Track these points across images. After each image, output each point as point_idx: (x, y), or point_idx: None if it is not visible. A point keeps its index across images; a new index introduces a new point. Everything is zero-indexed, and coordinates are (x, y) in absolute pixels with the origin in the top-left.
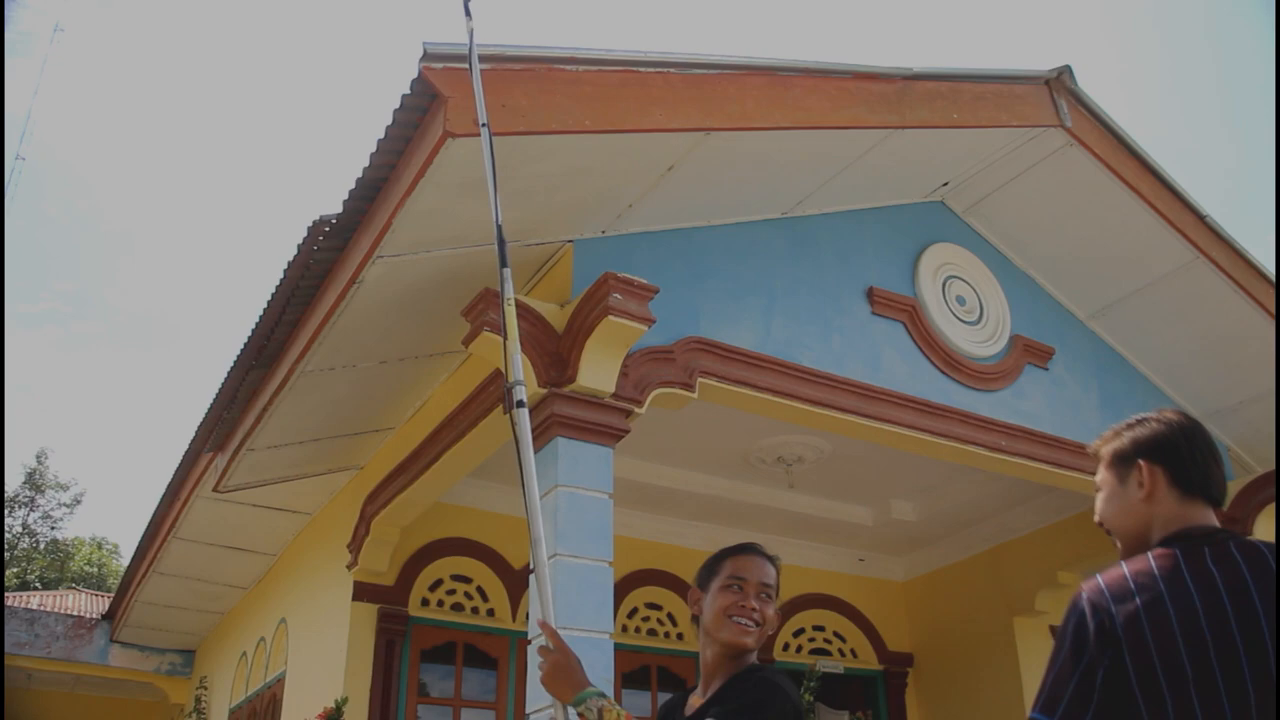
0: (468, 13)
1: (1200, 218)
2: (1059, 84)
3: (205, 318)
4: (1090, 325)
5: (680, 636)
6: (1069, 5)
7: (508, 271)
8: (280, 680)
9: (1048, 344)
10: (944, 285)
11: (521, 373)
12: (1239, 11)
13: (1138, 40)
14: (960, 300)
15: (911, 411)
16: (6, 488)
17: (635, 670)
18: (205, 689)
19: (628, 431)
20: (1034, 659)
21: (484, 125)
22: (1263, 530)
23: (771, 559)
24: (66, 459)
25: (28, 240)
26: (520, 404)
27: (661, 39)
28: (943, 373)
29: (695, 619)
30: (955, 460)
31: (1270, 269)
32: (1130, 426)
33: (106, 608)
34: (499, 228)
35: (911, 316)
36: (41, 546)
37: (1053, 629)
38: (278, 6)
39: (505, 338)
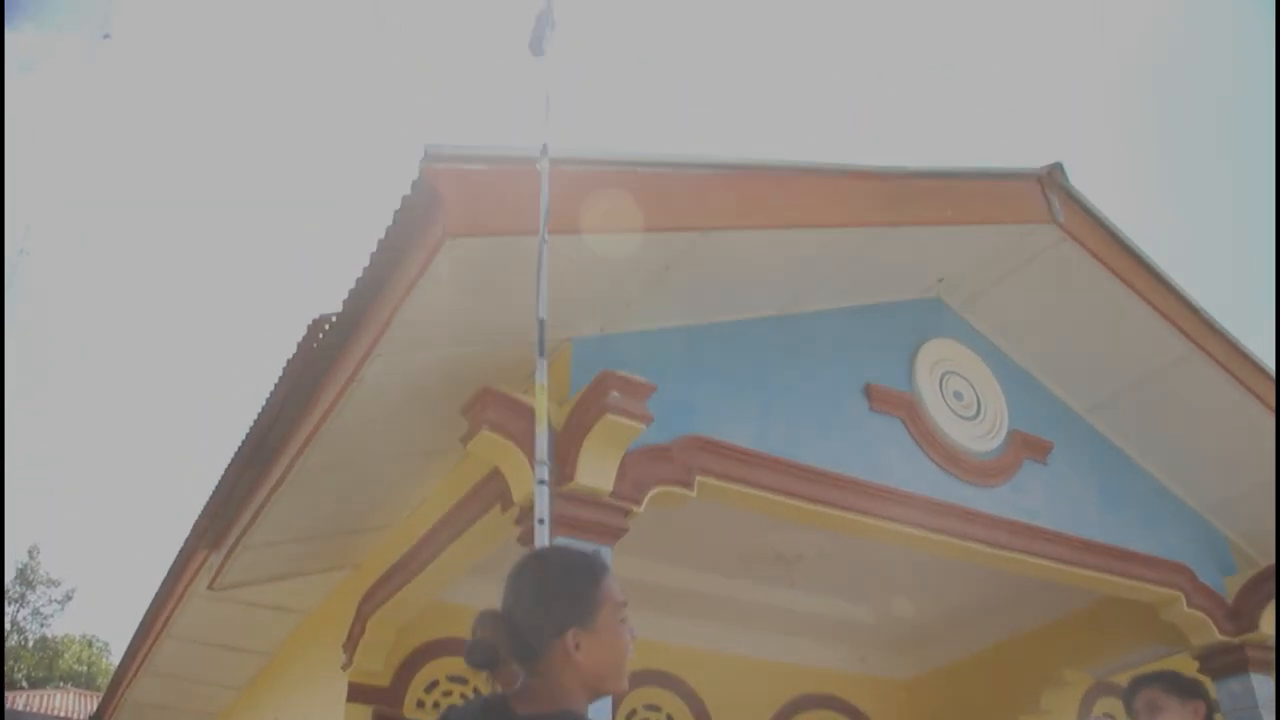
0: (538, 50)
1: (1195, 311)
2: (1051, 180)
3: (203, 414)
4: (1088, 419)
5: None
6: (1061, 101)
7: (544, 362)
8: None
9: (1046, 438)
10: (941, 381)
11: (545, 452)
12: (1230, 103)
13: (1130, 133)
14: (958, 396)
15: (911, 508)
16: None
17: None
18: None
19: (626, 530)
20: None
21: (544, 241)
22: (1268, 626)
23: None
24: (58, 555)
25: (24, 335)
26: (541, 522)
27: (659, 140)
28: (942, 469)
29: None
30: (956, 557)
31: (1266, 361)
32: None
33: (95, 708)
34: (541, 322)
35: (910, 413)
36: (30, 644)
37: None
38: (276, 105)
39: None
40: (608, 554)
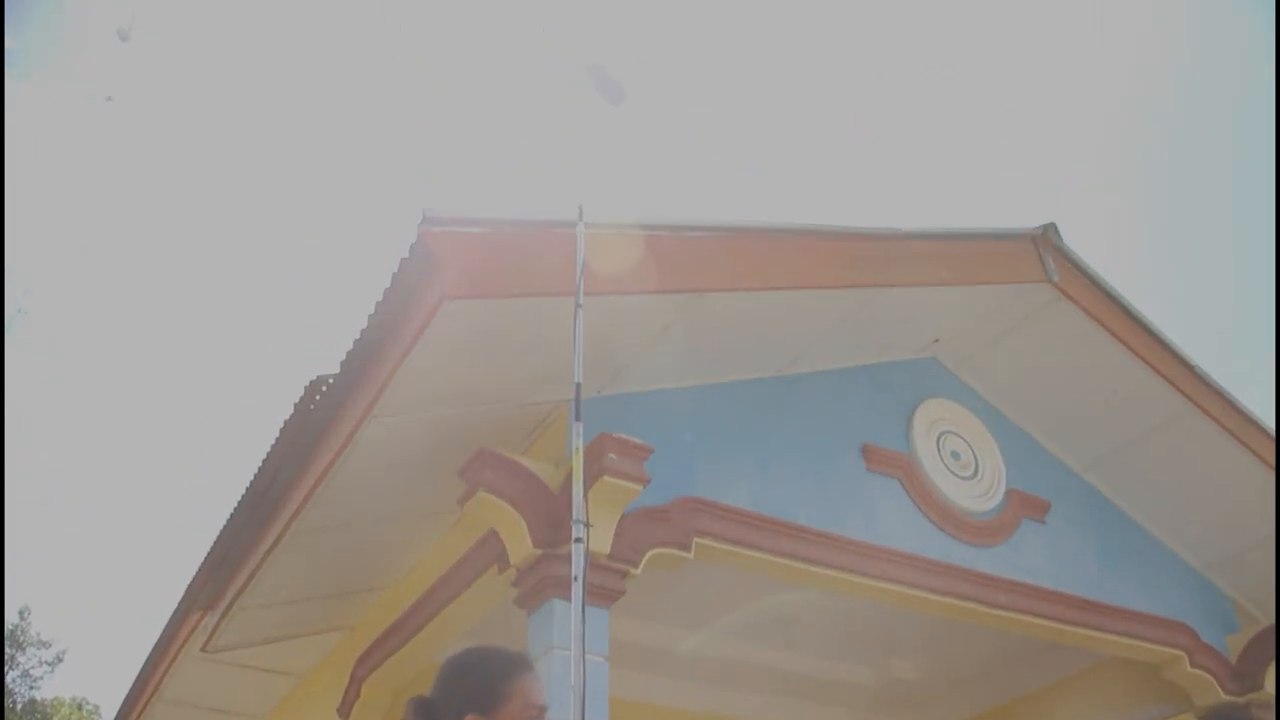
0: (618, 98)
1: (1191, 368)
2: (1045, 240)
3: (199, 475)
4: (1086, 477)
5: None
6: (1054, 159)
7: (579, 425)
8: None
9: (1044, 497)
10: (939, 441)
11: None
12: (1227, 159)
13: (1123, 190)
14: (955, 455)
15: (909, 568)
16: None
17: None
18: None
19: (623, 593)
20: None
21: (579, 306)
22: (1272, 685)
23: None
24: (49, 616)
25: (18, 393)
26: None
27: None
28: (940, 529)
29: None
30: (955, 617)
31: (1264, 418)
32: None
33: None
34: (578, 386)
35: (907, 473)
36: (19, 707)
37: None
38: (273, 169)
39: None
40: (605, 616)
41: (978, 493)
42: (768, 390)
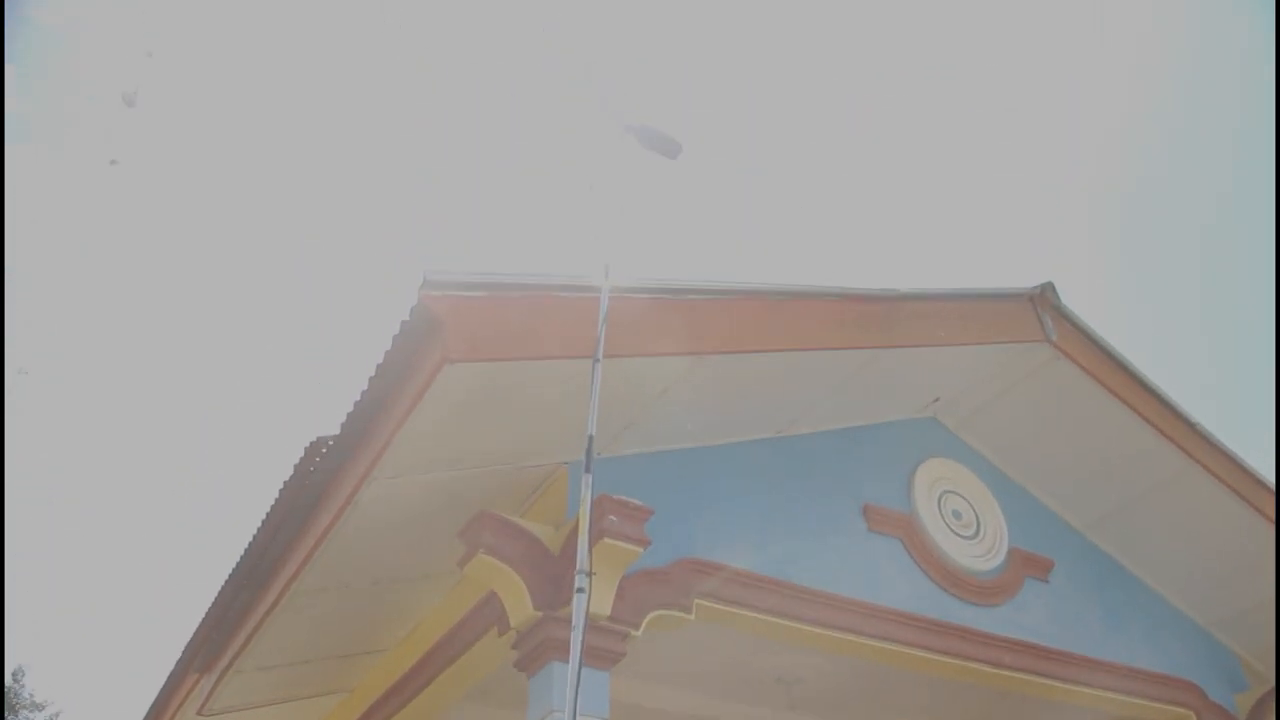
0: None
1: (1192, 426)
2: (1042, 300)
3: (197, 536)
4: (1089, 536)
5: None
6: (1049, 218)
7: (589, 478)
8: None
9: (1047, 556)
10: (940, 500)
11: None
12: (1225, 214)
13: (1118, 248)
14: (957, 515)
15: (912, 629)
16: None
17: None
18: None
19: (624, 655)
20: None
21: (598, 361)
22: None
23: None
24: (43, 677)
25: (18, 454)
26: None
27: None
28: (942, 589)
29: None
30: (958, 678)
31: (1266, 475)
32: None
33: None
34: (590, 438)
35: (908, 533)
36: None
37: None
38: (275, 229)
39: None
40: (605, 679)
41: (979, 552)
42: (768, 451)
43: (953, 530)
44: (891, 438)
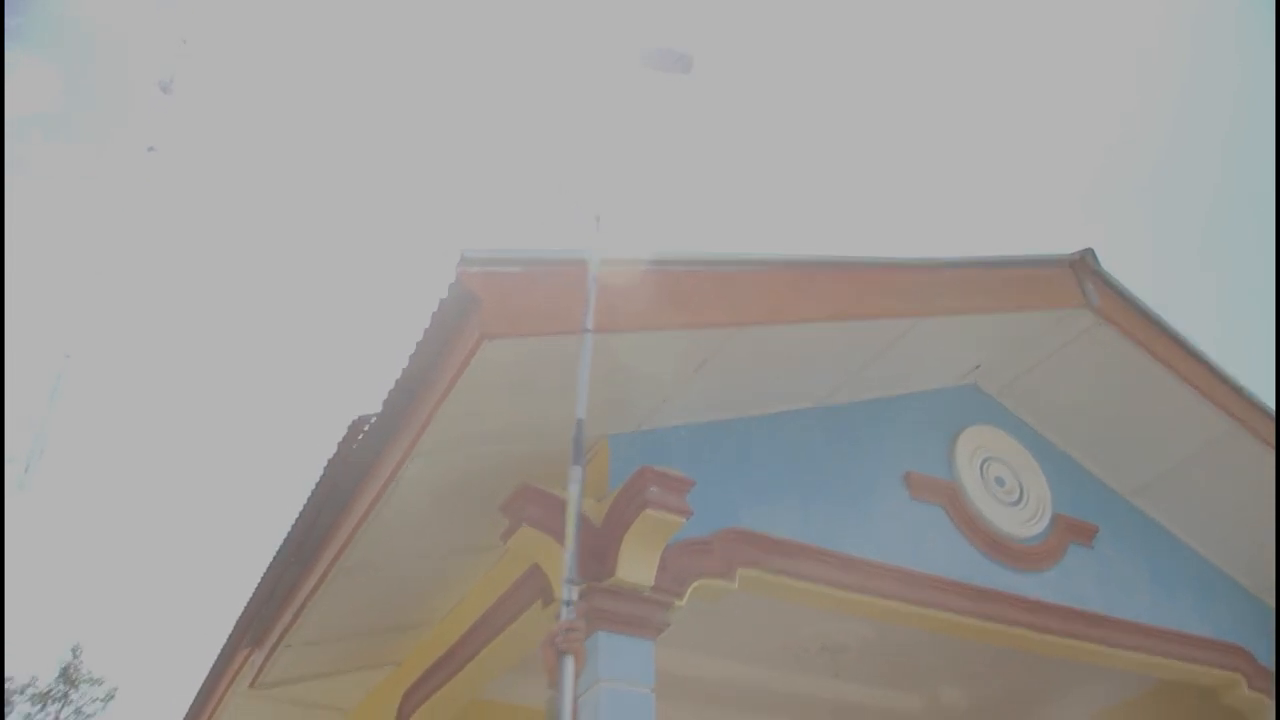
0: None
1: (1236, 389)
2: (1083, 266)
3: (244, 515)
4: (1134, 501)
5: None
6: (1089, 181)
7: (578, 470)
8: None
9: (1091, 522)
10: (982, 467)
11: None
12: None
13: (1160, 209)
14: (1000, 481)
15: (956, 596)
16: (40, 682)
17: None
18: None
19: (668, 625)
20: None
21: (587, 331)
22: None
23: None
24: (101, 654)
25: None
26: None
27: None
28: (986, 555)
29: None
30: (1004, 644)
31: None
32: None
33: None
34: (580, 423)
35: (951, 500)
36: None
37: None
38: (309, 211)
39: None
40: (650, 648)
41: (1023, 518)
42: (809, 421)
43: (996, 497)
44: (932, 406)
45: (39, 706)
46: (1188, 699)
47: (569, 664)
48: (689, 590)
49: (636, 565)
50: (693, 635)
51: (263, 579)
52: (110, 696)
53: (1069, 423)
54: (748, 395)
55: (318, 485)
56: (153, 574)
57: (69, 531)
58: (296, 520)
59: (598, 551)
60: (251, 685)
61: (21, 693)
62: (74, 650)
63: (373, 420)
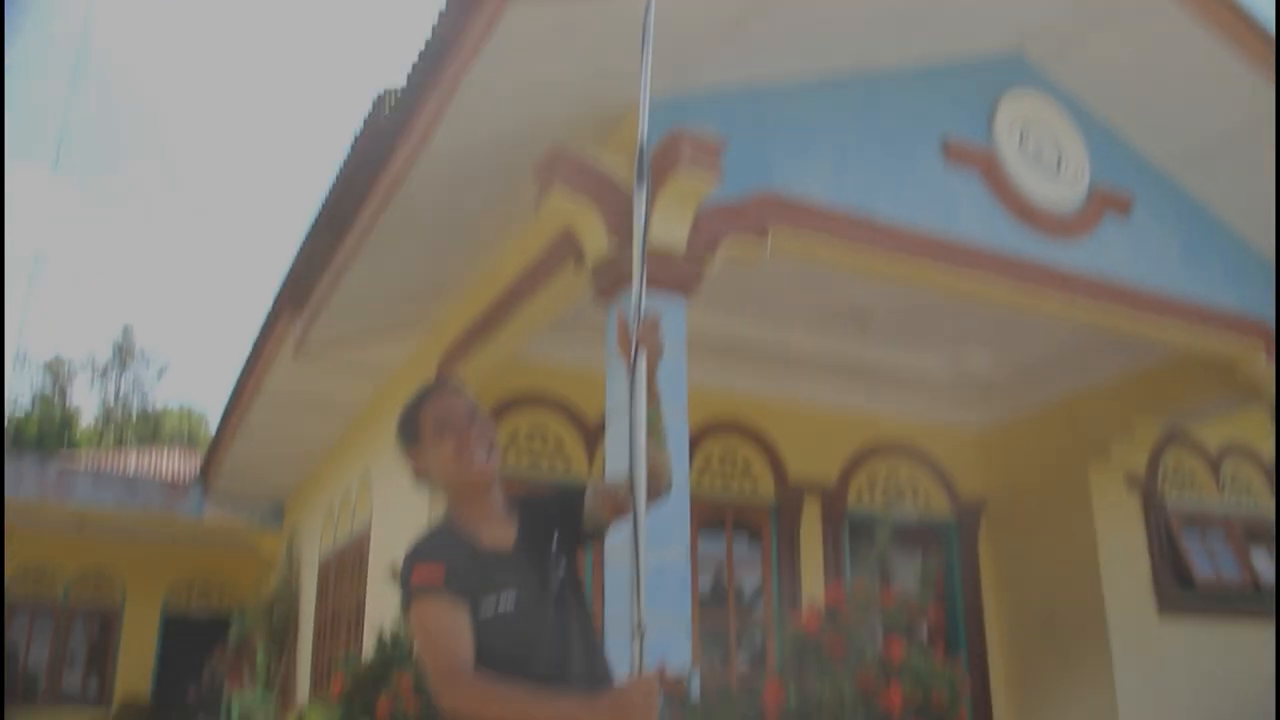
0: None
1: None
2: None
3: (282, 190)
4: (1172, 173)
5: (754, 489)
6: None
7: (644, 191)
8: (366, 532)
9: (1127, 193)
10: (1020, 135)
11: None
12: None
13: None
14: (1038, 149)
15: (988, 263)
16: (98, 360)
17: (711, 519)
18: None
19: (700, 279)
20: (1108, 507)
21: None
22: None
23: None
24: (154, 331)
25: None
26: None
27: None
28: (1020, 223)
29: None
30: (1032, 313)
31: None
32: None
33: (198, 466)
34: (642, 147)
35: (987, 166)
36: (134, 418)
37: (1128, 478)
38: None
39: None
40: (682, 306)
41: (1059, 187)
42: (845, 85)
43: (1032, 164)
44: (973, 71)
45: (99, 375)
46: (1203, 369)
47: (642, 359)
48: (721, 249)
49: (669, 226)
50: (726, 298)
51: (301, 248)
52: (163, 371)
53: (1114, 91)
54: (784, 55)
55: (349, 156)
56: (198, 254)
57: (115, 211)
58: (330, 190)
59: (629, 212)
60: (295, 351)
61: (83, 370)
62: (124, 330)
63: (399, 92)
